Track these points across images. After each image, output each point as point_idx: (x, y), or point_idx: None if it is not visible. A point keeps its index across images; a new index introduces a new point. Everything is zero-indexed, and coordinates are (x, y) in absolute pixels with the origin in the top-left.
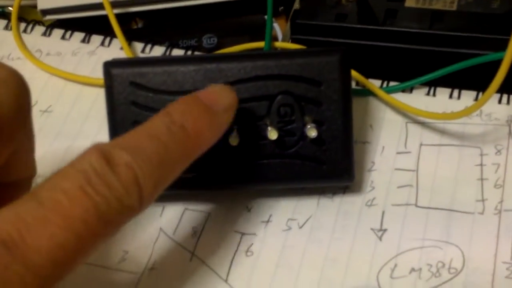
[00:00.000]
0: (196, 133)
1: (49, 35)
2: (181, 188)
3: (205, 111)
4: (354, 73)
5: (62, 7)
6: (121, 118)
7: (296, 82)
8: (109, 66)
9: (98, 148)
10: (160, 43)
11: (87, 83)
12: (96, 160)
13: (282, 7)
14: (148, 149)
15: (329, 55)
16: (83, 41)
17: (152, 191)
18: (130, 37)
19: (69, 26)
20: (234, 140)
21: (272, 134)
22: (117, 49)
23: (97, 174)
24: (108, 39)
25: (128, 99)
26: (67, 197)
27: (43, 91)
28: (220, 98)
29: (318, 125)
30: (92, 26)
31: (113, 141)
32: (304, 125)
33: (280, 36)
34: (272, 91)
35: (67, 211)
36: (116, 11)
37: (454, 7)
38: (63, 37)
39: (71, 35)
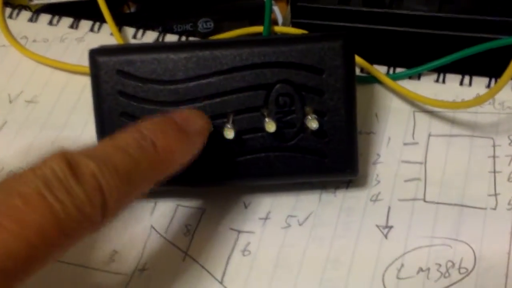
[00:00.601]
0: (166, 151)
1: (36, 20)
2: (174, 184)
3: (178, 130)
4: (358, 59)
5: None
6: (108, 109)
7: (296, 70)
8: (95, 53)
9: (62, 154)
10: (153, 28)
11: (75, 71)
12: (59, 166)
13: None
14: (116, 161)
15: (331, 40)
16: (71, 26)
17: (116, 205)
18: (122, 22)
19: (58, 11)
20: (229, 133)
21: (270, 126)
22: (107, 35)
23: (58, 179)
24: (97, 24)
25: (115, 89)
26: (24, 202)
27: (29, 80)
28: (194, 120)
29: (320, 116)
30: (82, 11)
31: (80, 149)
32: (305, 116)
33: (280, 20)
34: (270, 79)
35: (22, 217)
36: None
37: None
38: (50, 23)
39: (58, 21)
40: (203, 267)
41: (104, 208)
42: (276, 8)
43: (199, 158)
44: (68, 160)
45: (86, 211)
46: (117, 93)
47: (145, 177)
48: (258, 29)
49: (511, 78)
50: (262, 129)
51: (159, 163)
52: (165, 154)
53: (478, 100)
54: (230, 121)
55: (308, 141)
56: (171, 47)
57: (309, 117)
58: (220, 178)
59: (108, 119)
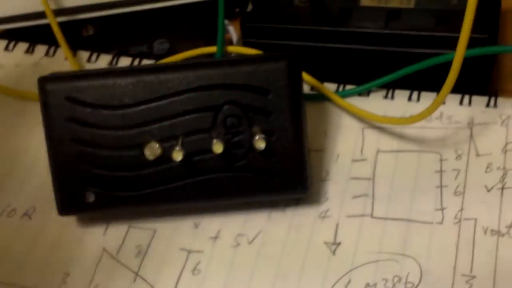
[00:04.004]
0: None
1: None
2: (125, 207)
3: None
4: (308, 77)
5: (6, 16)
6: (58, 135)
7: (242, 91)
8: (43, 81)
9: None
10: (109, 50)
11: (29, 98)
12: None
13: (238, 9)
14: None
15: (276, 61)
16: (27, 51)
17: None
18: (78, 45)
19: (15, 36)
20: (178, 155)
21: (218, 147)
22: (62, 59)
23: None
24: (52, 48)
25: (65, 115)
26: None
27: None
28: None
29: (268, 135)
30: (40, 35)
31: None
32: (252, 136)
33: (235, 39)
34: (217, 101)
35: None
36: (64, 18)
37: (412, 5)
38: (6, 48)
39: (14, 46)
40: (153, 287)
41: None
42: (231, 28)
43: (149, 180)
44: None
45: None
46: (67, 119)
47: None
48: (212, 49)
49: (449, 92)
50: (211, 150)
51: None
52: None
53: (422, 115)
54: (179, 144)
55: (257, 161)
56: (118, 72)
57: (257, 137)
58: (171, 199)
59: (59, 144)
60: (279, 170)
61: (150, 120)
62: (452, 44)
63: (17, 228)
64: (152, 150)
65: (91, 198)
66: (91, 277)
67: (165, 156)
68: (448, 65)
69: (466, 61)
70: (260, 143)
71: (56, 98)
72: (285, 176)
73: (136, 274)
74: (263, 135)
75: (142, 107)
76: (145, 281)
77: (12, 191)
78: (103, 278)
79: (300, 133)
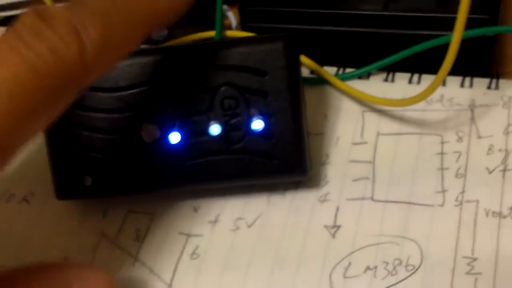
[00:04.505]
0: None
1: None
2: (123, 192)
3: None
4: (307, 60)
5: (6, 3)
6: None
7: (239, 72)
8: None
9: (34, 8)
10: None
11: None
12: (29, 17)
13: None
14: (97, 7)
15: (272, 42)
16: None
17: (99, 55)
18: None
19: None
20: (174, 138)
21: (215, 129)
22: None
23: (28, 28)
24: None
25: None
26: None
27: None
28: None
29: (266, 117)
30: None
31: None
32: (250, 118)
33: (234, 24)
34: (214, 83)
35: None
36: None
37: None
38: None
39: None
40: (152, 271)
41: (82, 52)
42: (230, 14)
43: (147, 163)
44: (38, 11)
45: (60, 53)
46: None
47: (129, 26)
48: (211, 34)
49: (447, 74)
50: (209, 133)
51: (143, 11)
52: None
53: (421, 96)
54: (176, 126)
55: (255, 143)
56: None
57: (254, 119)
58: (169, 183)
59: (56, 128)
60: (277, 153)
61: (146, 102)
62: (450, 26)
63: (16, 213)
64: (149, 133)
65: (89, 182)
66: (90, 261)
67: (162, 139)
68: (448, 46)
69: (466, 42)
70: (258, 125)
71: None
72: (283, 158)
73: (135, 258)
74: (260, 117)
75: (138, 89)
76: (144, 265)
77: (10, 176)
78: (102, 262)
79: (299, 115)
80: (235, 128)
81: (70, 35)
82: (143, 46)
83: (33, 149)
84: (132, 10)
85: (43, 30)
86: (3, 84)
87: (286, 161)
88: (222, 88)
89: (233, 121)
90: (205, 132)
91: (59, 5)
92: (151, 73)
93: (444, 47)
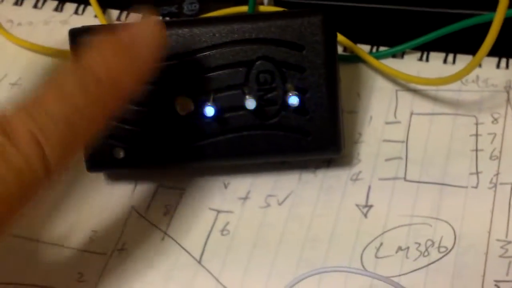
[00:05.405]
0: (112, 83)
1: (21, 4)
2: (153, 165)
3: (123, 51)
4: (341, 38)
5: None
6: None
7: (276, 46)
8: (75, 33)
9: None
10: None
11: (58, 55)
12: None
13: None
14: (55, 111)
15: (311, 15)
16: (55, 9)
17: (61, 157)
18: (106, 4)
19: None
20: (209, 111)
21: (250, 104)
22: (91, 17)
23: None
24: (82, 7)
25: None
26: None
27: (13, 63)
28: (142, 32)
29: (301, 92)
30: None
31: (18, 103)
32: (286, 93)
33: (266, 0)
34: (250, 56)
35: None
36: None
37: None
38: (35, 6)
39: (43, 4)
40: (181, 246)
41: (45, 164)
42: None
43: (180, 136)
44: (2, 122)
45: (25, 173)
46: None
47: (91, 119)
48: (243, 9)
49: (487, 54)
50: (243, 107)
51: (105, 99)
52: (111, 87)
53: (457, 76)
54: (211, 99)
55: (290, 119)
56: None
57: (290, 94)
58: (201, 157)
59: None
60: (312, 129)
61: (182, 75)
62: (489, 5)
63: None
64: (184, 106)
65: (120, 154)
66: (119, 235)
67: (197, 112)
68: (485, 26)
69: (504, 22)
70: (293, 100)
71: None
72: (318, 135)
73: (165, 233)
74: (296, 92)
75: (174, 61)
76: (174, 240)
77: None
78: (131, 236)
79: (335, 91)
80: (270, 103)
81: (31, 147)
82: (173, 19)
83: None
84: (94, 101)
85: (7, 150)
86: None
87: (321, 138)
88: (258, 62)
89: (268, 96)
90: (240, 106)
91: (23, 104)
92: (188, 45)
93: (480, 27)
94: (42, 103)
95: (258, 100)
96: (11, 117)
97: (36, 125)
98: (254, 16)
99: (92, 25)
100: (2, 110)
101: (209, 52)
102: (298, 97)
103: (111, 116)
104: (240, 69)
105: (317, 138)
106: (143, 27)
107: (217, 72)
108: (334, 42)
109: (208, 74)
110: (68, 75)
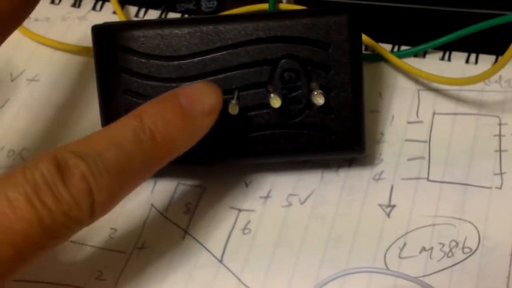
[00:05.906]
0: (166, 141)
1: None
2: (176, 163)
3: (181, 116)
4: (363, 36)
5: None
6: (111, 87)
7: (301, 44)
8: (98, 30)
9: (52, 155)
10: (155, 7)
11: (76, 51)
12: (48, 169)
13: None
14: (109, 158)
15: (337, 14)
16: (73, 5)
17: (107, 202)
18: (124, 0)
19: None
20: (233, 109)
21: (275, 102)
22: (109, 14)
23: (46, 184)
24: (100, 3)
25: (119, 66)
26: (11, 208)
27: (30, 59)
28: (202, 98)
29: (326, 91)
30: None
31: (71, 145)
32: (311, 91)
33: None
34: (275, 54)
35: (9, 224)
36: None
37: None
38: (52, 2)
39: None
40: (202, 245)
41: (92, 209)
42: None
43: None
44: (57, 162)
45: (73, 215)
46: (121, 70)
47: (139, 171)
48: (263, 6)
49: None
50: (268, 105)
51: (156, 155)
52: (165, 145)
53: (482, 76)
54: (235, 97)
55: (315, 118)
56: (174, 22)
57: (315, 92)
58: (224, 155)
59: (111, 96)
60: (336, 128)
61: (206, 72)
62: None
63: None
64: None
65: None
66: (139, 233)
67: (221, 110)
68: (508, 26)
69: None
70: (318, 99)
71: (110, 47)
72: (342, 134)
73: (185, 231)
74: (321, 91)
75: (198, 58)
76: (195, 238)
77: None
78: (151, 234)
79: (360, 91)
80: (295, 102)
81: (84, 198)
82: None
83: (81, 119)
84: (146, 155)
85: (59, 190)
86: (12, 236)
87: (345, 138)
88: (283, 60)
89: (293, 94)
90: (264, 104)
91: (78, 147)
92: (212, 42)
93: (503, 27)
94: (98, 149)
95: (283, 98)
96: (68, 159)
97: (92, 174)
98: (279, 14)
99: (114, 22)
100: (58, 150)
101: (233, 50)
102: (324, 96)
103: (155, 172)
104: (265, 67)
105: (341, 137)
106: (202, 92)
107: (241, 70)
108: (359, 41)
109: (232, 72)
110: (125, 128)
